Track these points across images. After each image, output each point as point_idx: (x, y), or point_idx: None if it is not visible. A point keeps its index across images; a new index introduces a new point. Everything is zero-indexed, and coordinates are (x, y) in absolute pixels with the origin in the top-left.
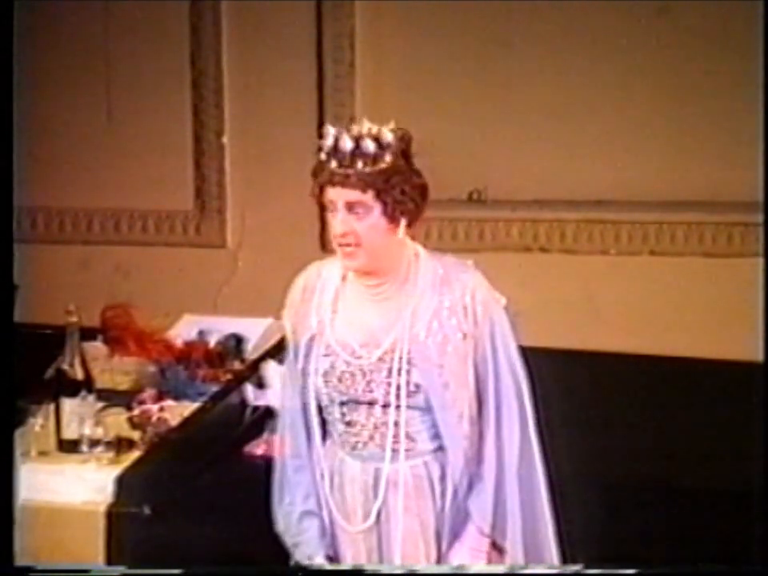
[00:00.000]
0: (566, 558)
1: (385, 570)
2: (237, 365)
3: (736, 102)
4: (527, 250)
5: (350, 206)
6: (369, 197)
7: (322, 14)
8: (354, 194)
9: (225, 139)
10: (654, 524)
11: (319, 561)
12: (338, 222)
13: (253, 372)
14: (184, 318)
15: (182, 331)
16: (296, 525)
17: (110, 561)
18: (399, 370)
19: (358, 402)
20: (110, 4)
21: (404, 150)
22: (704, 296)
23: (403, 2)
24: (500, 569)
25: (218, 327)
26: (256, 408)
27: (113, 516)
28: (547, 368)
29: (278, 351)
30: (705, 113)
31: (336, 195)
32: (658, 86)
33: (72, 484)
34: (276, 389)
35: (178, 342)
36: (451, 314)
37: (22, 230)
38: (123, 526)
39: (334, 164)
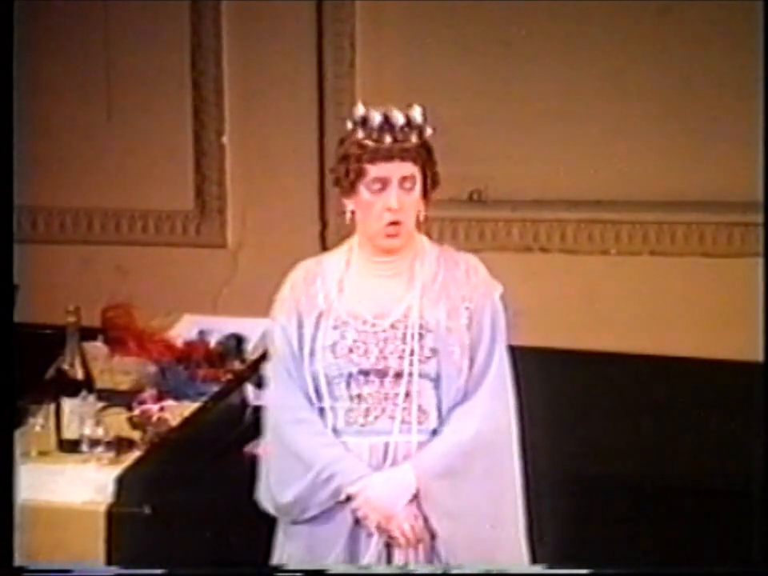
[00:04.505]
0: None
1: (363, 570)
2: (237, 365)
3: (736, 103)
4: (527, 250)
5: (403, 181)
6: (417, 170)
7: (322, 15)
8: (408, 168)
9: (225, 139)
10: (655, 524)
11: (374, 478)
12: (392, 198)
13: (253, 372)
14: (184, 318)
15: (183, 331)
16: (323, 458)
17: (109, 561)
18: (413, 335)
19: (367, 374)
20: (110, 4)
21: None
22: (704, 296)
23: (403, 1)
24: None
25: (219, 327)
26: (256, 408)
27: (113, 516)
28: (547, 368)
29: None
30: (705, 113)
31: (391, 171)
32: (658, 86)
33: (72, 484)
34: None
35: (179, 342)
36: (458, 287)
37: (22, 230)
38: (123, 526)
39: (388, 139)
